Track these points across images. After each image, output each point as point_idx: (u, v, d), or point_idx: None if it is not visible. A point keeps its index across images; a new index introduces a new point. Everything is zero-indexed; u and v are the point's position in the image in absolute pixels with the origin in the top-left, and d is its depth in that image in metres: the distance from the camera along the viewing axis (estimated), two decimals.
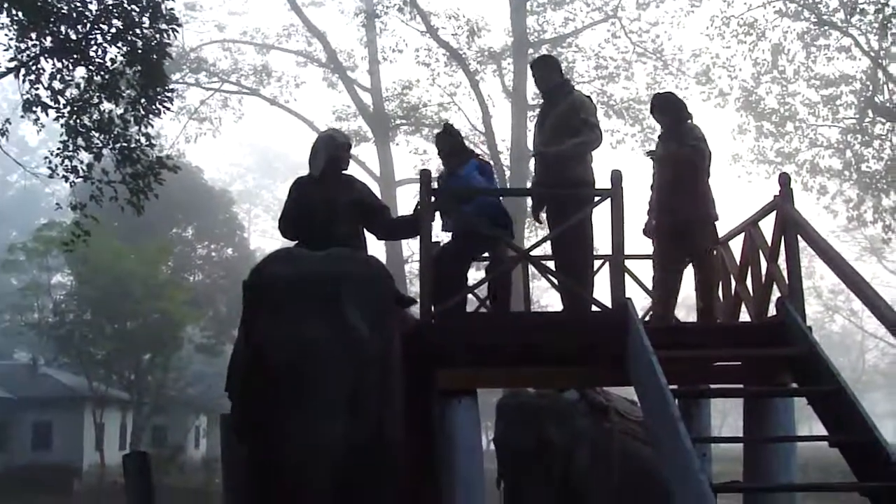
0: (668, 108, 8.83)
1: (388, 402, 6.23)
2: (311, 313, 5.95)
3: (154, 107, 13.60)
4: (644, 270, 9.16)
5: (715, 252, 8.64)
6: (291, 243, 7.67)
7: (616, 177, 7.75)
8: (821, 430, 6.78)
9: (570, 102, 8.60)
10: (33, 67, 13.33)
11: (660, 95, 9.25)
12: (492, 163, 9.42)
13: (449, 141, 8.87)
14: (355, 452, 5.87)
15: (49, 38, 13.03)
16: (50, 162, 13.87)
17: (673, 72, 34.85)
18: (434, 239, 8.05)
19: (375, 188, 8.59)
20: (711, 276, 8.55)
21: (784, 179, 7.81)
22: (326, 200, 7.51)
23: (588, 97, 8.86)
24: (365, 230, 7.91)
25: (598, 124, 8.54)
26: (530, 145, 10.45)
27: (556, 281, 8.92)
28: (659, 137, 9.04)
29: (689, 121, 8.85)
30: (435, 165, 23.39)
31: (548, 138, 8.66)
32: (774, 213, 7.76)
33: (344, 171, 7.93)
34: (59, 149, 13.69)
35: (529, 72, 9.67)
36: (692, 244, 8.36)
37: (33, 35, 13.04)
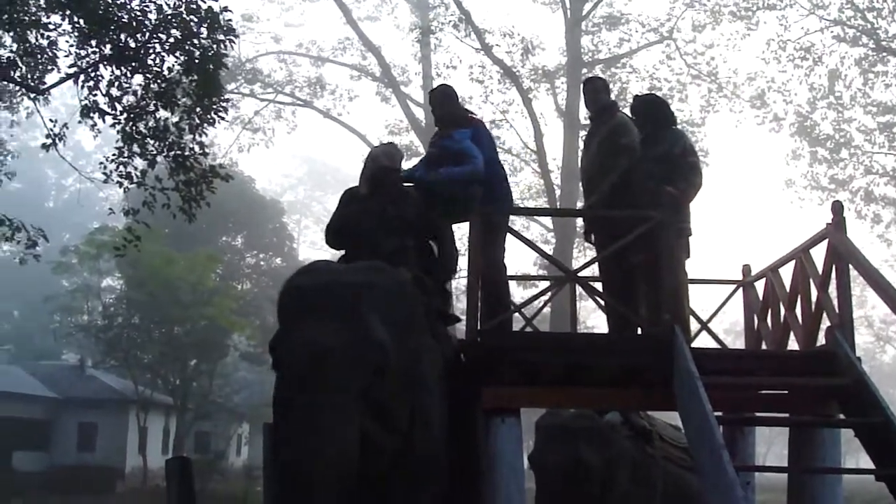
0: (651, 112, 8.68)
1: (420, 417, 6.17)
2: (328, 320, 5.83)
3: (209, 116, 13.72)
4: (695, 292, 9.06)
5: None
6: (339, 254, 7.69)
7: (668, 201, 7.71)
8: (868, 462, 6.69)
9: (614, 125, 8.65)
10: (92, 74, 13.51)
11: (640, 98, 9.08)
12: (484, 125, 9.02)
13: (446, 106, 8.68)
14: (383, 462, 5.84)
15: (108, 46, 13.21)
16: (105, 167, 14.06)
17: (727, 94, 34.77)
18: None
19: None
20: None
21: (837, 207, 7.72)
22: (374, 213, 7.46)
23: (631, 119, 8.84)
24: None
25: (636, 148, 8.51)
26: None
27: (602, 302, 8.89)
28: (642, 142, 8.64)
29: (675, 126, 8.80)
30: None
31: (593, 159, 8.71)
32: (826, 240, 7.68)
33: (397, 186, 7.90)
34: (114, 154, 13.87)
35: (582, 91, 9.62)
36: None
37: (93, 42, 13.23)
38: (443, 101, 8.78)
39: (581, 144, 23.22)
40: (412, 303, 6.44)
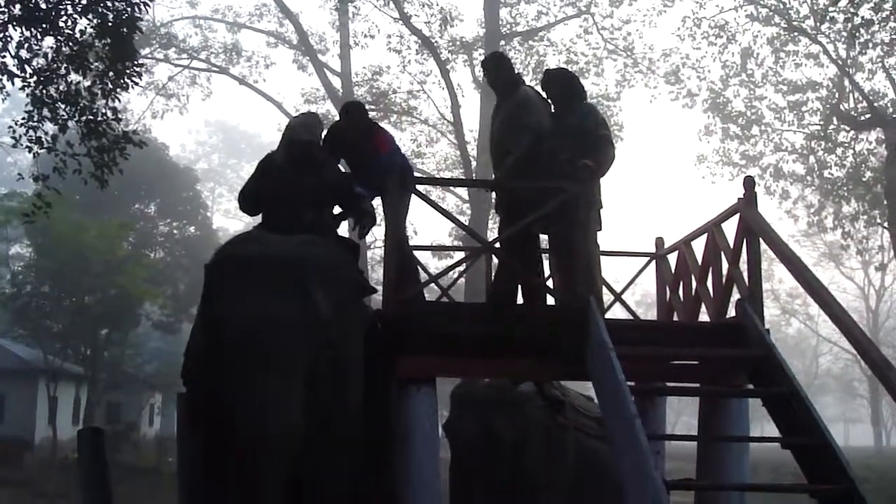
0: (563, 86, 8.72)
1: (341, 395, 6.19)
2: (275, 291, 5.86)
3: (122, 81, 13.47)
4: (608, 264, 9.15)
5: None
6: (253, 221, 7.63)
7: (585, 173, 7.78)
8: (773, 430, 6.86)
9: (518, 101, 8.62)
10: (0, 35, 13.16)
11: (551, 71, 9.16)
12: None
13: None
14: (305, 439, 5.82)
15: (18, 6, 12.86)
16: (14, 132, 13.71)
17: (643, 70, 35.12)
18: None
19: None
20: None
21: (748, 183, 7.86)
22: (292, 184, 7.44)
23: (536, 93, 8.85)
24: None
25: (535, 125, 8.43)
26: None
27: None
28: (553, 116, 8.63)
29: (585, 100, 8.87)
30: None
31: (498, 135, 8.71)
32: (738, 215, 7.82)
33: (316, 156, 7.85)
34: (23, 118, 13.54)
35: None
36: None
37: (2, 2, 12.88)
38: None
39: None
40: (346, 277, 6.50)
